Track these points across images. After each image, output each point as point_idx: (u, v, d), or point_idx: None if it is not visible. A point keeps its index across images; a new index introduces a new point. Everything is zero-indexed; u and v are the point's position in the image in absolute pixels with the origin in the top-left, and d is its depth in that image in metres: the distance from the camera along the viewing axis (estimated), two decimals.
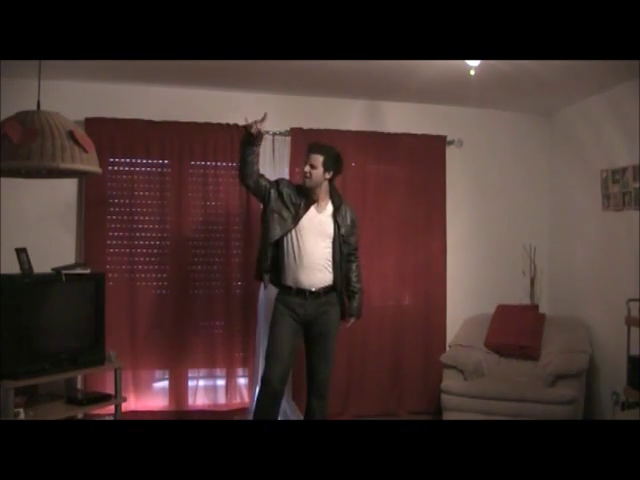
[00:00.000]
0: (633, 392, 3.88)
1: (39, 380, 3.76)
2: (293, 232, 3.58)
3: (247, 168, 3.58)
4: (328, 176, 3.65)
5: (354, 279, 3.84)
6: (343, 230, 3.68)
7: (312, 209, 3.63)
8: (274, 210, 3.58)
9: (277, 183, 3.69)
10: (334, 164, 3.65)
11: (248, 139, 3.55)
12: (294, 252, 3.57)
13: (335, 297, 3.69)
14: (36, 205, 4.38)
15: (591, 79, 4.26)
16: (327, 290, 3.63)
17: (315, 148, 3.66)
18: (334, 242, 3.63)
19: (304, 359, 3.78)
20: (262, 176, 3.67)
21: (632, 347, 4.03)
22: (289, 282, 3.60)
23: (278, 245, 3.61)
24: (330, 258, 3.62)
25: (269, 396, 3.48)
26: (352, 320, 3.85)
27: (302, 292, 3.58)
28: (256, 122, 3.50)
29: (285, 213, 3.57)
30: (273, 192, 3.61)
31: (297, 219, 3.57)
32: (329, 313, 3.65)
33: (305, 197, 3.63)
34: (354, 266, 3.85)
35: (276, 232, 3.57)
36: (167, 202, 4.62)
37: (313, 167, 3.59)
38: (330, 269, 3.63)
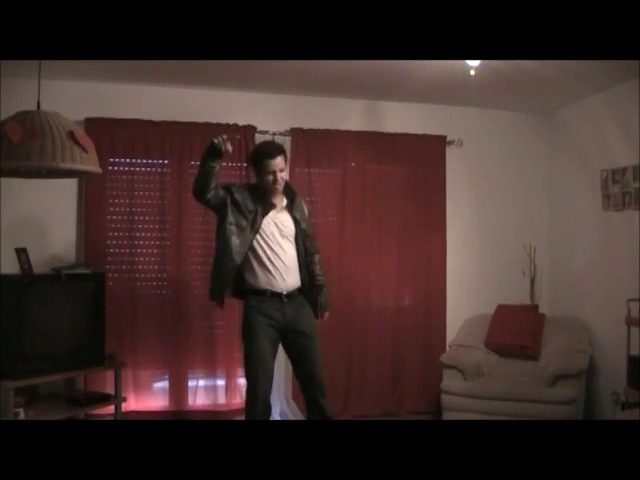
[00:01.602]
0: (633, 392, 3.88)
1: (39, 380, 3.76)
2: (258, 237, 3.37)
3: (208, 183, 3.27)
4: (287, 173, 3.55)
5: (317, 272, 3.61)
6: (304, 225, 3.50)
7: (271, 212, 3.42)
8: (232, 225, 3.33)
9: (231, 192, 3.38)
10: (287, 160, 3.52)
11: (212, 152, 3.23)
12: (264, 257, 3.37)
13: (307, 298, 3.53)
14: (36, 205, 4.38)
15: (591, 79, 4.26)
16: (299, 291, 3.48)
17: (276, 150, 3.41)
18: (297, 240, 3.46)
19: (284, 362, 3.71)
20: (218, 188, 3.35)
21: (632, 347, 4.03)
22: (262, 286, 3.37)
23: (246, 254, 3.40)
24: (296, 257, 3.46)
25: (262, 413, 3.35)
26: (326, 314, 3.66)
27: (277, 295, 3.37)
28: (228, 139, 3.24)
29: (243, 222, 3.33)
30: (229, 203, 3.34)
31: (257, 228, 3.35)
32: (307, 313, 3.51)
33: (261, 199, 3.40)
34: (316, 258, 3.62)
35: (239, 251, 3.33)
36: (167, 202, 4.62)
37: (282, 170, 3.39)
38: (297, 269, 3.47)
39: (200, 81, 4.54)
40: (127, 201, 4.57)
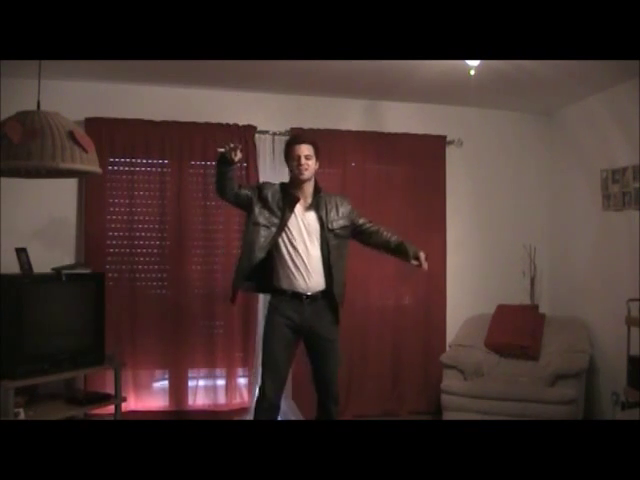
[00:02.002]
0: (633, 392, 3.88)
1: (39, 380, 3.76)
2: (283, 235, 3.34)
3: (225, 185, 3.32)
4: (316, 167, 3.44)
5: (388, 235, 3.49)
6: (334, 224, 3.41)
7: (299, 208, 3.38)
8: (258, 222, 3.34)
9: (259, 189, 3.42)
10: (318, 153, 3.44)
11: (225, 160, 3.26)
12: (287, 256, 3.34)
13: (330, 302, 3.44)
14: (36, 205, 4.38)
15: (591, 79, 4.26)
16: (323, 294, 3.40)
17: (304, 138, 3.43)
18: (322, 242, 3.38)
19: (303, 363, 3.65)
20: (241, 188, 3.41)
21: (632, 347, 4.04)
22: (284, 286, 3.36)
23: (268, 251, 3.37)
24: (321, 259, 3.38)
25: (267, 410, 3.35)
26: (422, 255, 3.41)
27: (298, 296, 3.34)
28: (235, 148, 3.23)
29: (271, 220, 3.33)
30: (256, 200, 3.36)
31: (283, 224, 3.33)
32: (327, 318, 3.43)
33: (290, 197, 3.38)
34: (379, 228, 3.51)
35: (262, 246, 3.32)
36: (167, 202, 4.62)
37: (308, 157, 3.34)
38: (322, 271, 3.38)
39: (200, 81, 4.55)
40: (127, 201, 4.57)
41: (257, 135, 4.73)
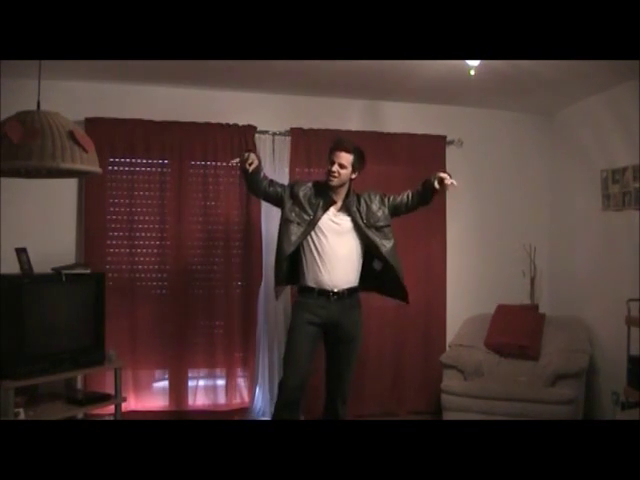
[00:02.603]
0: (633, 392, 3.88)
1: (39, 380, 3.75)
2: (312, 233, 3.41)
3: (255, 186, 3.51)
4: (354, 177, 3.51)
5: (414, 192, 3.62)
6: (372, 221, 3.48)
7: (331, 208, 3.46)
8: (288, 218, 3.43)
9: (291, 187, 3.53)
10: (361, 165, 3.53)
11: (245, 173, 3.45)
12: (315, 253, 3.40)
13: (358, 299, 3.53)
14: (36, 205, 4.38)
15: (591, 79, 4.26)
16: (351, 291, 3.46)
17: (345, 146, 3.46)
18: (360, 240, 3.47)
19: (323, 360, 3.64)
20: (272, 183, 3.53)
21: (632, 347, 4.03)
22: (310, 283, 3.42)
23: (298, 248, 3.44)
24: (353, 258, 3.46)
25: (287, 405, 3.38)
26: (442, 175, 3.46)
27: (325, 293, 3.39)
28: (245, 160, 3.37)
29: (302, 217, 3.42)
30: (287, 198, 3.47)
31: (314, 222, 3.41)
32: (353, 316, 3.49)
33: (323, 196, 3.46)
34: (407, 193, 3.63)
35: (291, 241, 3.40)
36: (167, 202, 4.62)
37: (342, 167, 3.41)
38: (354, 269, 3.47)
39: (200, 81, 4.54)
40: (127, 201, 4.57)
41: (257, 135, 4.73)
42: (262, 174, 3.54)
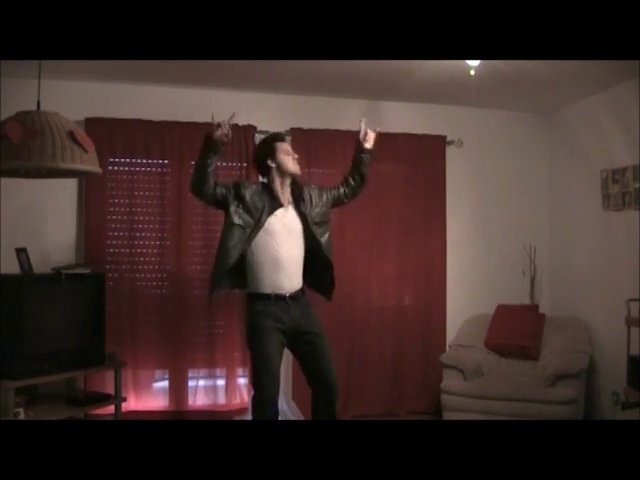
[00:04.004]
0: (633, 392, 3.88)
1: (39, 380, 3.76)
2: (262, 236, 3.26)
3: (202, 179, 3.22)
4: None
5: (347, 173, 3.58)
6: (315, 217, 3.38)
7: (280, 209, 3.32)
8: (233, 222, 3.25)
9: (237, 187, 3.32)
10: None
11: (210, 144, 3.18)
12: (267, 257, 3.26)
13: (306, 296, 3.43)
14: (36, 205, 4.38)
15: (591, 79, 4.26)
16: (302, 291, 3.38)
17: (284, 135, 3.42)
18: (307, 238, 3.36)
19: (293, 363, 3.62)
20: (218, 185, 3.30)
21: (632, 347, 4.03)
22: (266, 289, 3.27)
23: (247, 253, 3.30)
24: (301, 257, 3.36)
25: (266, 415, 3.24)
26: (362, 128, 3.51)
27: (282, 298, 3.28)
28: (223, 123, 3.15)
29: (246, 220, 3.25)
30: (232, 199, 3.27)
31: (260, 224, 3.25)
32: (311, 314, 3.41)
33: (270, 196, 3.32)
34: (343, 180, 3.57)
35: (237, 246, 3.24)
36: (167, 202, 4.62)
37: (295, 153, 3.40)
38: (301, 268, 3.37)
39: (200, 81, 4.54)
40: (127, 201, 4.57)
41: (257, 135, 4.73)
42: (213, 167, 3.27)
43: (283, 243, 3.29)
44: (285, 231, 3.31)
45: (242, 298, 4.73)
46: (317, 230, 3.38)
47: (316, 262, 3.44)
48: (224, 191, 3.30)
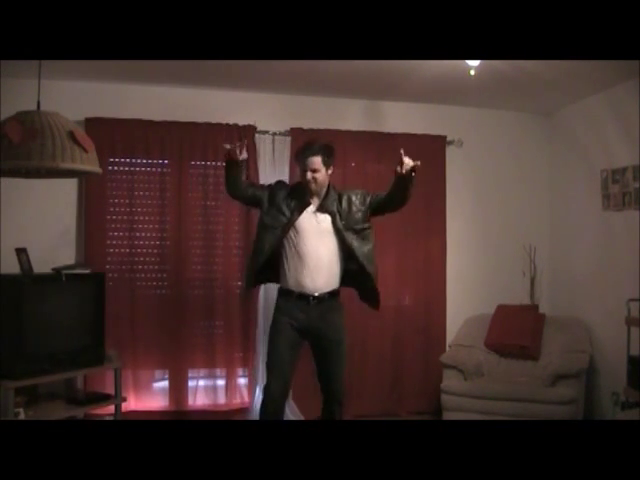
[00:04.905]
0: (633, 392, 3.88)
1: (39, 380, 3.76)
2: (292, 235, 3.32)
3: (232, 187, 3.40)
4: (330, 172, 3.43)
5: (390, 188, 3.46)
6: (351, 222, 3.38)
7: (310, 208, 3.36)
8: (265, 223, 3.36)
9: (271, 188, 3.45)
10: (331, 158, 3.43)
11: (230, 166, 3.35)
12: (296, 255, 3.31)
13: (339, 301, 3.45)
14: (36, 205, 4.38)
15: (591, 79, 4.27)
16: (332, 294, 3.38)
17: (311, 150, 3.36)
18: (339, 242, 3.36)
19: (308, 363, 3.60)
20: (252, 186, 3.51)
21: (632, 347, 4.03)
22: (291, 286, 3.34)
23: (277, 250, 3.37)
24: (334, 259, 3.36)
25: (272, 412, 3.33)
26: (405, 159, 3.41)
27: (304, 297, 3.32)
28: (237, 147, 3.28)
29: (279, 219, 3.32)
30: (265, 200, 3.38)
31: (290, 225, 3.31)
32: (333, 319, 3.40)
33: (301, 196, 3.37)
34: (387, 192, 3.48)
35: (266, 245, 3.33)
36: (167, 202, 4.62)
37: (315, 171, 3.32)
38: (335, 271, 3.38)
39: (200, 81, 4.54)
40: (127, 201, 4.57)
41: (257, 135, 4.73)
42: (244, 174, 3.46)
43: (310, 243, 3.32)
44: (314, 231, 3.34)
45: (242, 298, 4.77)
46: (351, 236, 3.37)
47: (355, 270, 3.42)
48: (258, 193, 3.43)
